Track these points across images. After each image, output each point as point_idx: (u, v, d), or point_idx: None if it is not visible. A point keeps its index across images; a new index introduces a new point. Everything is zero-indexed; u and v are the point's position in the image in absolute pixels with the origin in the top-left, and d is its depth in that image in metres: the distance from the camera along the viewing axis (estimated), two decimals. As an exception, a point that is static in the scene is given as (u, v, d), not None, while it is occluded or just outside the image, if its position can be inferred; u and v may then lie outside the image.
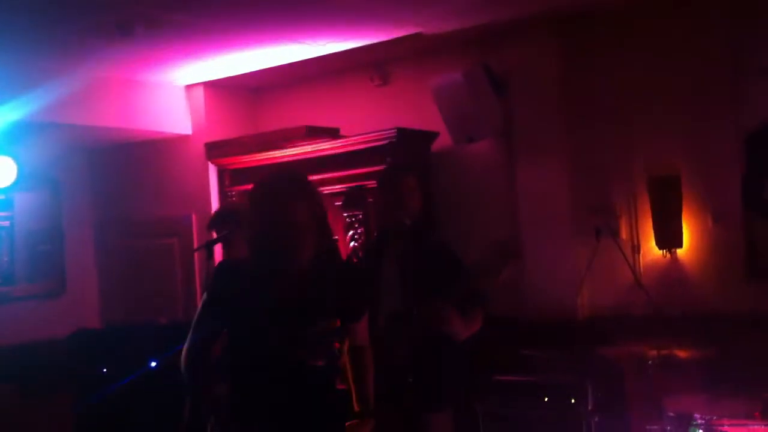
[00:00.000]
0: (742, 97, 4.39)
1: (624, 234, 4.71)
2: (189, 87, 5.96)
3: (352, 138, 5.07)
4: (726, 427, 3.20)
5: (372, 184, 4.91)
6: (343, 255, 5.01)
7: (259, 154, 5.44)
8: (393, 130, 4.87)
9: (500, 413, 4.15)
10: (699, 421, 3.29)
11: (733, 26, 4.40)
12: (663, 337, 3.69)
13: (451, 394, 3.97)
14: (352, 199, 5.03)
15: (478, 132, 4.97)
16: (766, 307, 4.22)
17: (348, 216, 5.06)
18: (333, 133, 5.30)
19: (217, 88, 5.96)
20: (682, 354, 3.63)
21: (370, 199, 4.94)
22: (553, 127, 4.91)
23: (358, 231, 5.00)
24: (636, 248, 4.66)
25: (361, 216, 5.01)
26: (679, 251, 4.54)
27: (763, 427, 3.20)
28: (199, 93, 5.94)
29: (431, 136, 5.14)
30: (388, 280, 3.92)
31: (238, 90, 6.11)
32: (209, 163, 5.87)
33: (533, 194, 4.96)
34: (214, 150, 5.79)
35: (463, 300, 3.79)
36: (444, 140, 5.11)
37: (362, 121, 5.38)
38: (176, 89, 5.93)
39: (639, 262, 4.65)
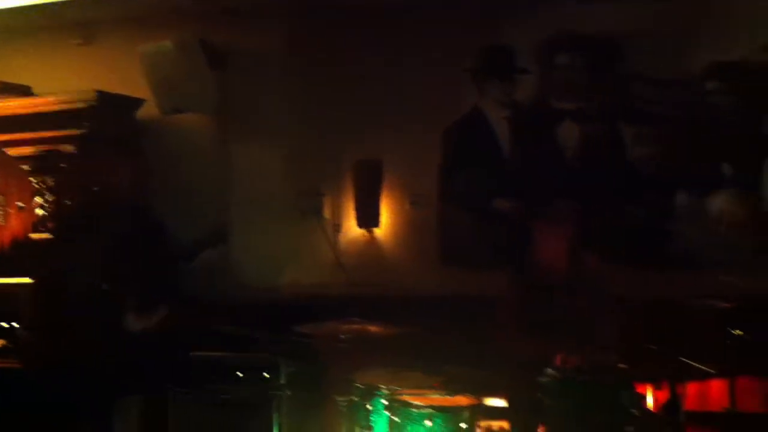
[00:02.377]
0: (445, 92, 4.66)
1: (328, 214, 4.81)
2: None
3: (46, 98, 4.69)
4: (406, 397, 3.38)
5: (67, 148, 4.60)
6: (29, 224, 4.61)
7: (-66, 108, 4.80)
8: (92, 93, 4.59)
9: (194, 391, 4.08)
10: (383, 392, 3.43)
11: (455, 29, 4.63)
12: (359, 315, 3.80)
13: (146, 375, 3.88)
14: (43, 163, 4.61)
15: (188, 104, 4.85)
16: (454, 289, 4.52)
17: (37, 182, 4.63)
18: (24, 91, 4.90)
19: None
20: (375, 330, 3.76)
21: (63, 165, 4.58)
22: (270, 108, 4.92)
23: (48, 198, 4.59)
24: (337, 228, 4.78)
25: (52, 183, 4.60)
26: (377, 231, 4.74)
27: (439, 396, 3.41)
28: None
29: (136, 102, 4.91)
30: (88, 254, 3.77)
31: None
32: None
33: (245, 173, 4.96)
34: None
35: (162, 277, 3.72)
36: (154, 108, 4.87)
37: (62, 82, 4.98)
38: None
39: (339, 242, 4.77)
